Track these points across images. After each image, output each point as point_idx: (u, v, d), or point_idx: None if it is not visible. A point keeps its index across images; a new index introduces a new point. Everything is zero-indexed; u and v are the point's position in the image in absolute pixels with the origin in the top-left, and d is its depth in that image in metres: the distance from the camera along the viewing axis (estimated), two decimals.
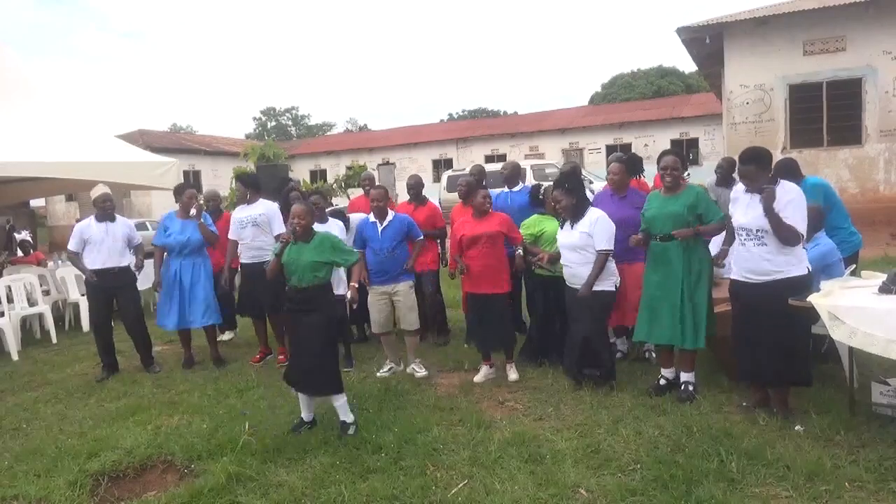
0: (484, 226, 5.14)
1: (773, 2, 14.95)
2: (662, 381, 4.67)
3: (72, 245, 6.15)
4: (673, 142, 27.78)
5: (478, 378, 5.25)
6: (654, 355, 5.39)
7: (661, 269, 4.51)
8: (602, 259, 4.59)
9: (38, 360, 7.06)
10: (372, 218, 5.45)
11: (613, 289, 4.72)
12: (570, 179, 4.80)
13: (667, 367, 4.69)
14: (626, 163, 5.50)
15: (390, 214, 5.40)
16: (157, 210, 25.91)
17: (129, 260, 6.26)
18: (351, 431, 4.22)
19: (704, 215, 4.40)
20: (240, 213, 6.26)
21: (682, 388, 4.52)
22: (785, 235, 3.80)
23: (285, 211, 6.58)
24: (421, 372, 5.43)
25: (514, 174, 6.53)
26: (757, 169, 3.93)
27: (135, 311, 6.29)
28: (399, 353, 5.69)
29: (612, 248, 4.62)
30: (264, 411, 4.79)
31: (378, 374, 5.52)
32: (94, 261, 6.09)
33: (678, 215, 4.40)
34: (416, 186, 6.50)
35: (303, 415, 4.44)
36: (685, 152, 27.55)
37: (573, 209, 4.72)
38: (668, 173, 4.48)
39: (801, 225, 3.82)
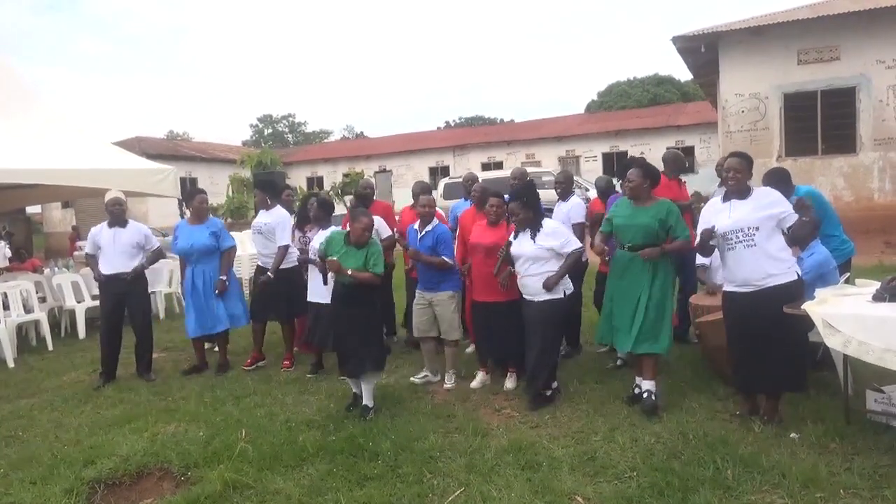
0: (489, 236, 5.11)
1: (768, 11, 15.07)
2: (637, 391, 4.65)
3: (87, 249, 6.27)
4: (669, 150, 27.83)
5: (474, 384, 5.26)
6: (619, 362, 5.57)
7: (627, 276, 4.55)
8: (577, 256, 4.69)
9: (33, 368, 7.04)
10: (416, 225, 5.48)
11: (563, 296, 4.71)
12: (527, 193, 4.80)
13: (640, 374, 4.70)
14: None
15: (433, 223, 5.39)
16: (153, 217, 25.86)
17: (139, 262, 6.24)
18: (370, 416, 4.67)
19: (673, 230, 4.43)
20: (256, 220, 6.40)
21: (645, 396, 4.51)
22: (809, 233, 4.02)
23: (304, 222, 6.60)
24: (449, 384, 5.37)
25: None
26: (742, 161, 4.01)
27: (144, 317, 6.31)
28: (437, 363, 5.63)
29: (581, 245, 4.76)
30: (261, 419, 4.79)
31: (411, 380, 5.50)
32: (103, 266, 6.13)
33: (648, 227, 4.43)
34: (421, 192, 6.50)
35: (356, 389, 4.93)
36: None
37: (530, 221, 4.73)
38: (626, 185, 4.63)
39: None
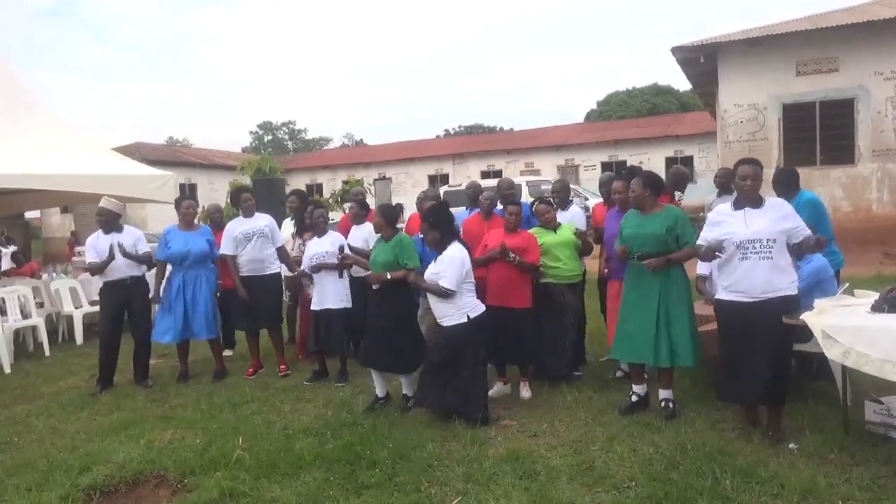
0: (509, 241, 5.10)
1: (767, 22, 15.14)
2: (634, 398, 4.65)
3: (90, 257, 6.19)
4: (668, 159, 27.95)
5: (491, 393, 5.15)
6: (619, 373, 5.50)
7: (639, 287, 4.53)
8: (440, 289, 4.55)
9: (30, 373, 7.02)
10: (421, 235, 5.45)
11: (466, 320, 4.60)
12: (435, 214, 4.77)
13: (638, 383, 4.67)
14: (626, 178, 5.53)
15: None
16: (152, 223, 25.83)
17: (141, 269, 6.26)
18: (410, 404, 4.93)
19: (680, 237, 4.43)
20: (242, 227, 6.28)
21: (663, 405, 4.53)
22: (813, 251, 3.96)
23: (303, 230, 6.52)
24: None
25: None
26: (757, 169, 3.96)
27: (145, 323, 6.29)
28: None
29: (454, 289, 4.56)
30: (258, 426, 4.77)
31: None
32: (106, 273, 6.11)
33: (657, 235, 4.41)
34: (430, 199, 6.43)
35: (377, 392, 5.10)
36: None
37: (437, 243, 4.69)
38: (629, 195, 4.70)
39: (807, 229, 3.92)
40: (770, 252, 3.87)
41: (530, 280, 5.24)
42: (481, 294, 5.09)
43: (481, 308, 4.73)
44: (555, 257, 5.34)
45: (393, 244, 5.02)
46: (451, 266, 4.57)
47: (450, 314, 4.62)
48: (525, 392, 5.18)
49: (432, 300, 4.69)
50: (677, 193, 6.04)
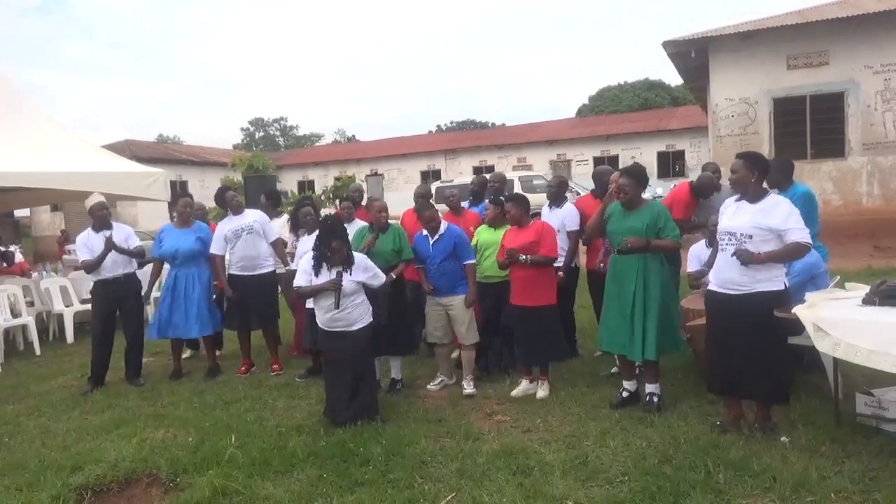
0: (519, 238, 5.06)
1: (758, 16, 15.17)
2: (625, 394, 4.69)
3: (83, 256, 6.10)
4: (659, 154, 28.09)
5: (515, 392, 5.11)
6: (614, 369, 5.46)
7: (618, 281, 4.57)
8: (386, 288, 4.74)
9: (21, 373, 6.98)
10: (425, 232, 5.43)
11: (372, 320, 4.79)
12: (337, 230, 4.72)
13: (628, 378, 4.73)
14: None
15: (442, 228, 5.34)
16: (143, 220, 25.73)
17: (133, 266, 6.24)
18: (398, 387, 5.39)
19: (662, 231, 4.44)
20: (231, 225, 6.22)
21: (647, 398, 4.56)
22: (795, 255, 3.89)
23: (296, 226, 6.43)
24: (469, 389, 5.26)
25: (481, 188, 6.81)
26: (745, 162, 3.93)
27: (137, 321, 6.26)
28: (452, 367, 5.61)
29: (385, 277, 4.87)
30: (251, 424, 4.76)
31: (428, 387, 5.44)
32: (98, 272, 6.07)
33: (637, 231, 4.42)
34: (424, 196, 6.28)
35: (393, 375, 5.47)
36: (671, 164, 27.93)
37: (343, 255, 4.61)
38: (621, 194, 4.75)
39: (803, 234, 3.77)
40: (745, 246, 3.84)
41: (552, 275, 5.17)
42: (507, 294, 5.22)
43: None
44: (482, 256, 5.45)
45: (393, 233, 5.40)
46: (373, 265, 4.81)
47: (363, 317, 4.71)
48: (542, 392, 5.08)
49: (352, 306, 4.62)
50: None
